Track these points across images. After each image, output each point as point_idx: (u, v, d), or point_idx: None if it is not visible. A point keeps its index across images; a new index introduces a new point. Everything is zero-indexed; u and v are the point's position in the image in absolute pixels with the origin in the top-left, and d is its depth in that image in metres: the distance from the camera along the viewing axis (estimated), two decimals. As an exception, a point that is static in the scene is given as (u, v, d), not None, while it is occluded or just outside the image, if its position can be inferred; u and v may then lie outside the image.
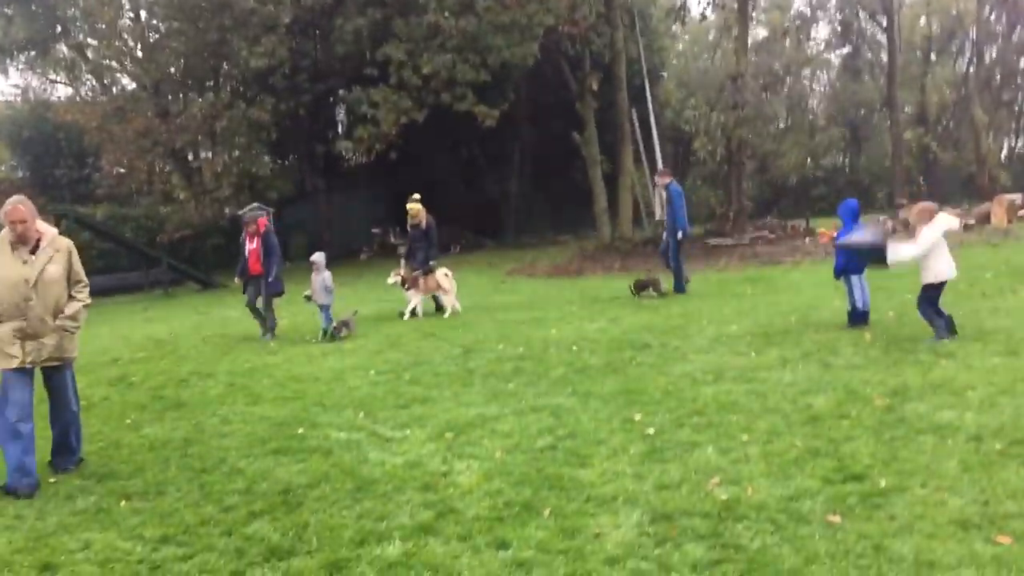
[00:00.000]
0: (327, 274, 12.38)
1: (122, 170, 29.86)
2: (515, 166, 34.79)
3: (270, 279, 12.38)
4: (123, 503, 5.48)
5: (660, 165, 26.65)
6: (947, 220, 8.73)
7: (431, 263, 13.97)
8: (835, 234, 10.72)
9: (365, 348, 11.06)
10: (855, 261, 9.63)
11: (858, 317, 9.71)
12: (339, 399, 8.04)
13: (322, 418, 7.33)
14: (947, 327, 8.54)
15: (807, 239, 24.16)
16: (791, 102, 45.21)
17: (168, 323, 16.11)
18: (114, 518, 5.23)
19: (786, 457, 5.34)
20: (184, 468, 6.15)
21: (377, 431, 6.75)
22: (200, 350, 11.97)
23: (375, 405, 7.65)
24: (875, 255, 9.07)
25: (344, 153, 25.04)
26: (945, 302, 10.68)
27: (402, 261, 14.87)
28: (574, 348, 9.80)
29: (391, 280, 14.17)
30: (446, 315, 13.70)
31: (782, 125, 46.23)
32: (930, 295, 8.64)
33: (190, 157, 33.00)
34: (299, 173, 34.96)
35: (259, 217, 12.90)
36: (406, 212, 14.41)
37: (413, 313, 13.75)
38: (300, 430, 6.95)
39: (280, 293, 12.74)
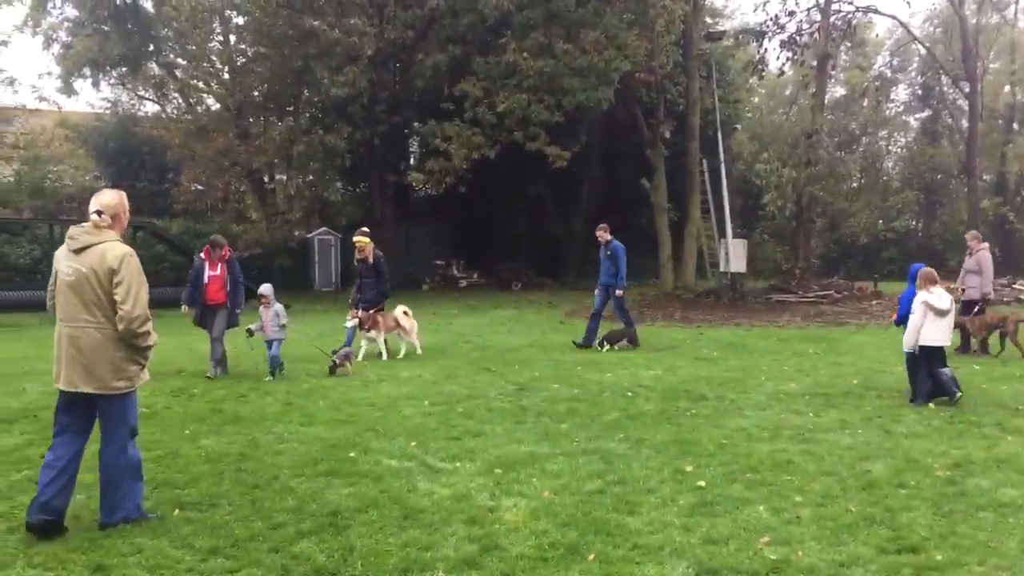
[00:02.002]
0: (279, 307, 11.47)
1: (199, 187, 30.74)
2: (581, 208, 34.90)
3: (238, 311, 11.79)
4: (176, 512, 5.59)
5: (728, 217, 26.53)
6: (928, 295, 9.00)
7: (383, 300, 13.35)
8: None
9: (421, 378, 11.15)
10: None
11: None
12: (392, 426, 8.11)
13: (374, 444, 7.39)
14: (928, 394, 8.89)
15: (874, 301, 23.73)
16: (866, 162, 44.65)
17: (231, 339, 16.39)
18: (167, 526, 5.33)
19: (840, 522, 5.23)
20: (237, 482, 6.26)
21: (427, 461, 6.79)
22: (260, 367, 12.15)
23: (427, 435, 7.70)
24: None
25: (414, 184, 25.39)
26: (1014, 377, 10.44)
27: (350, 301, 13.83)
28: (629, 394, 9.76)
29: (349, 324, 13.08)
30: (400, 356, 13.23)
31: (855, 184, 45.64)
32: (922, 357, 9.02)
33: (265, 179, 33.86)
34: (369, 201, 35.57)
35: (225, 243, 11.79)
36: (365, 246, 13.24)
37: (371, 355, 13.12)
38: (352, 454, 7.03)
39: (236, 325, 11.87)
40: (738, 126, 40.42)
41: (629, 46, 23.89)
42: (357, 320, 12.89)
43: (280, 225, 30.00)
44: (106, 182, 36.89)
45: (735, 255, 25.41)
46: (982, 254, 13.42)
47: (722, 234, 26.88)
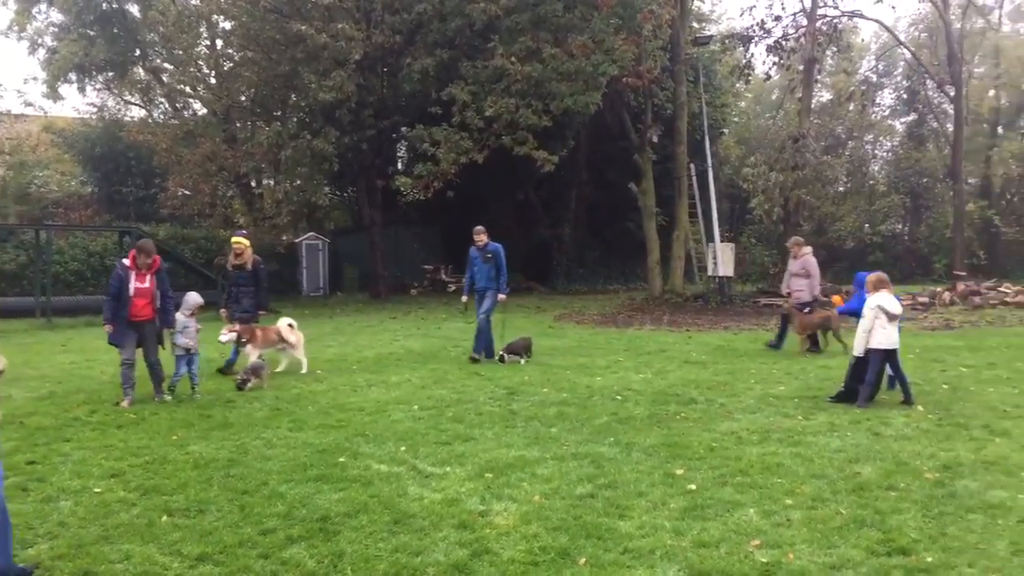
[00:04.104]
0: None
1: (186, 192, 30.56)
2: (570, 212, 34.96)
3: (169, 330, 10.27)
4: (164, 518, 5.57)
5: (716, 221, 26.60)
6: (881, 298, 9.19)
7: (260, 312, 12.35)
8: (843, 302, 11.67)
9: (410, 383, 11.13)
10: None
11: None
12: (382, 431, 8.09)
13: (364, 449, 7.37)
14: (870, 397, 9.12)
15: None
16: (852, 166, 44.73)
17: (217, 344, 16.34)
18: (155, 532, 5.31)
19: (830, 525, 5.24)
20: (226, 488, 6.23)
21: (417, 466, 6.77)
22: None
23: (417, 440, 7.68)
24: None
25: (402, 189, 25.26)
26: (1001, 380, 10.50)
27: (222, 312, 12.48)
28: (618, 398, 9.76)
29: (224, 338, 11.62)
30: (279, 369, 12.20)
31: (841, 188, 45.81)
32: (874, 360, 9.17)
33: (253, 183, 33.73)
34: (356, 206, 35.49)
35: (154, 250, 9.97)
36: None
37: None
38: (342, 459, 7.00)
39: (162, 344, 10.32)
40: (725, 130, 40.57)
41: (617, 50, 23.88)
42: (235, 334, 11.63)
43: (268, 230, 29.86)
44: (92, 187, 36.80)
45: (723, 259, 25.46)
46: (808, 259, 14.34)
47: (710, 238, 26.93)
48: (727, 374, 11.53)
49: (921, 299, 22.64)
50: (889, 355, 9.18)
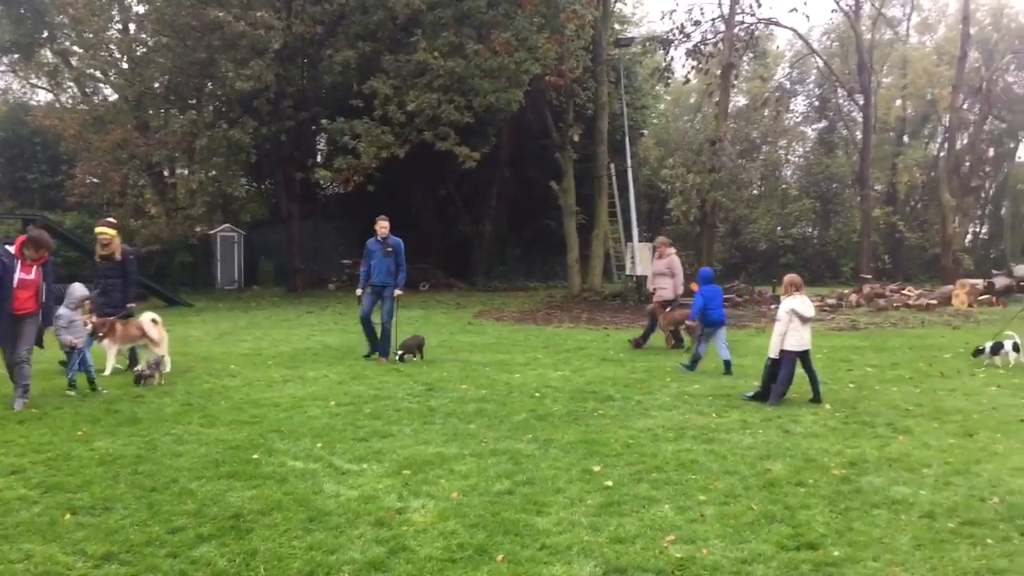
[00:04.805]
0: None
1: (95, 180, 29.52)
2: (491, 209, 34.99)
3: (53, 323, 9.55)
4: (68, 516, 5.36)
5: (634, 221, 26.96)
6: (795, 302, 9.46)
7: (129, 305, 11.51)
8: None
9: (327, 378, 10.97)
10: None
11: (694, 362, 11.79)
12: (297, 427, 7.95)
13: (279, 445, 7.23)
14: (781, 396, 9.33)
15: (772, 305, 24.43)
16: (766, 170, 46.01)
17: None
18: (57, 531, 5.11)
19: (742, 520, 5.35)
20: (133, 485, 6.03)
21: (334, 463, 6.67)
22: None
23: (333, 436, 7.57)
24: None
25: (321, 182, 24.94)
26: (904, 379, 10.90)
27: (86, 302, 11.09)
28: (537, 395, 9.80)
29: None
30: (135, 369, 10.91)
31: (756, 192, 47.00)
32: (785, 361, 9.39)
33: (166, 173, 32.80)
34: (274, 198, 34.85)
35: (48, 243, 9.20)
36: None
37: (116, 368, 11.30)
38: (255, 455, 6.85)
39: (41, 344, 9.50)
40: (645, 132, 41.19)
41: (540, 49, 24.02)
42: (89, 327, 10.59)
43: (181, 221, 29.09)
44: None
45: (641, 259, 25.81)
46: (673, 259, 14.75)
47: (628, 238, 27.29)
48: (644, 372, 11.68)
49: (829, 301, 23.33)
50: (802, 356, 9.43)
